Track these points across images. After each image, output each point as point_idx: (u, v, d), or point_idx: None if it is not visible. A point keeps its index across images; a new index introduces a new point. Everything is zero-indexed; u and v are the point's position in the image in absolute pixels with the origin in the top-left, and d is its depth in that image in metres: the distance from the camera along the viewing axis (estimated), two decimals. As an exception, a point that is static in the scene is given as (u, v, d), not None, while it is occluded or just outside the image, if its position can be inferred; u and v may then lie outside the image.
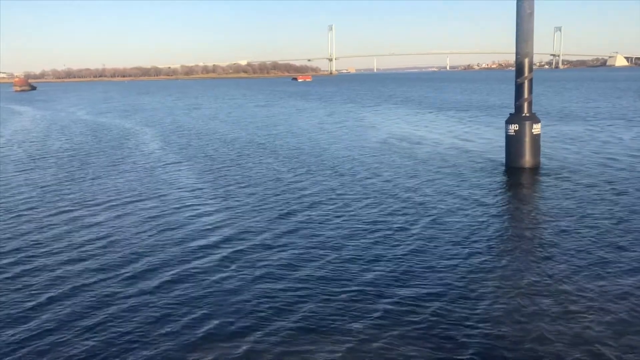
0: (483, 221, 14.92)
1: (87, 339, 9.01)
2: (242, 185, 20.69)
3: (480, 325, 9.03)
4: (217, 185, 20.83)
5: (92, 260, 12.79)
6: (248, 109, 68.07)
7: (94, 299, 10.66)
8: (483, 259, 12.07)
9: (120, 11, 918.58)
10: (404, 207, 16.60)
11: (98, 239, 14.50)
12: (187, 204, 18.03)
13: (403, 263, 11.97)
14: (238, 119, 52.17)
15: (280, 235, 14.29)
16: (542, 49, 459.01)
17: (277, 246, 13.42)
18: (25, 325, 9.59)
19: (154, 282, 11.33)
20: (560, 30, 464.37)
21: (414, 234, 13.97)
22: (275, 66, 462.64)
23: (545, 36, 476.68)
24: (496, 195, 17.95)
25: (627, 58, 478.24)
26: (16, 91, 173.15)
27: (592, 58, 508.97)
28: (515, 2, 22.08)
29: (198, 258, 12.78)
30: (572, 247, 12.66)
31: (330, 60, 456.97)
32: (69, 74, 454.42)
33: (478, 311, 9.52)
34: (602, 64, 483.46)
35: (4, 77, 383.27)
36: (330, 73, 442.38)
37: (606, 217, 14.94)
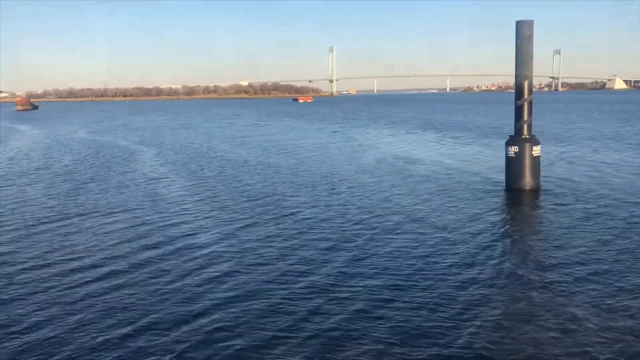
0: (484, 242, 14.81)
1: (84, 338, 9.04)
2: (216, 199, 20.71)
3: (472, 342, 8.90)
4: (195, 197, 20.84)
5: (79, 267, 12.81)
6: (237, 128, 69.63)
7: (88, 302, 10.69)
8: (482, 279, 11.92)
9: (122, 32, 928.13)
10: (405, 226, 16.50)
11: (81, 249, 14.55)
12: (166, 214, 18.14)
13: (400, 280, 11.84)
14: (223, 138, 53.30)
15: (276, 247, 14.27)
16: (542, 72, 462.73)
17: (272, 258, 13.38)
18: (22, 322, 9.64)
19: (149, 288, 11.32)
20: (559, 53, 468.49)
21: (413, 254, 13.85)
22: (277, 87, 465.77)
23: (545, 59, 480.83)
24: (497, 217, 17.86)
25: (625, 81, 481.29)
26: (18, 110, 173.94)
27: (591, 81, 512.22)
28: (514, 25, 22.24)
29: (182, 259, 12.92)
30: (571, 268, 12.52)
31: (331, 81, 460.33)
32: (70, 94, 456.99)
33: (472, 329, 9.40)
34: (601, 86, 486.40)
35: (6, 97, 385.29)
36: (331, 94, 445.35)
37: (606, 239, 14.83)
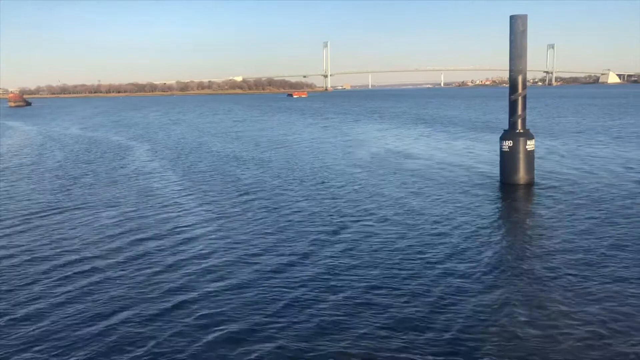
0: (478, 236, 14.79)
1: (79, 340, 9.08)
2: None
3: (466, 336, 8.88)
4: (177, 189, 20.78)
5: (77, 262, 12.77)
6: (228, 123, 69.70)
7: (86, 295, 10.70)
8: (475, 272, 11.89)
9: (116, 27, 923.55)
10: (396, 219, 16.44)
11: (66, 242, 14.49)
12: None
13: (393, 277, 11.79)
14: (214, 133, 53.22)
15: (266, 238, 14.27)
16: (536, 66, 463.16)
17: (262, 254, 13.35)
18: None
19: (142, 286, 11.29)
20: (553, 48, 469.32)
21: (405, 245, 13.84)
22: (271, 82, 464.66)
23: (539, 53, 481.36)
24: (492, 211, 17.85)
25: (619, 75, 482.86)
26: (11, 107, 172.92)
27: (584, 75, 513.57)
28: (508, 19, 22.18)
29: (172, 252, 12.91)
30: (564, 262, 12.52)
31: (326, 76, 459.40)
32: (64, 90, 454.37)
33: (466, 325, 9.37)
34: (594, 81, 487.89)
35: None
36: (326, 89, 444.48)
37: (600, 232, 14.85)
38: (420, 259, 13.17)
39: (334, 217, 17.48)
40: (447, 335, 9.23)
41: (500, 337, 9.16)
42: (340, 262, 13.02)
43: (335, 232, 15.69)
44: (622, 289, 11.04)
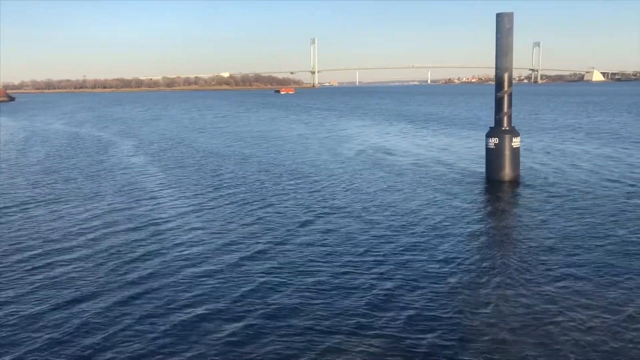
0: (463, 232, 14.83)
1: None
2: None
3: (453, 334, 8.89)
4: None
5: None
6: (210, 120, 69.85)
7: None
8: (462, 271, 11.93)
9: (102, 22, 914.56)
10: (381, 215, 16.45)
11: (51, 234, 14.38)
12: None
13: (379, 275, 11.77)
14: (195, 129, 53.44)
15: (243, 231, 14.25)
16: (522, 64, 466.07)
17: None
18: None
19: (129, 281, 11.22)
20: (539, 46, 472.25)
21: (390, 241, 13.88)
22: (258, 78, 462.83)
23: (525, 51, 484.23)
24: (478, 208, 17.93)
25: (603, 73, 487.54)
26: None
27: (569, 73, 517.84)
28: (495, 17, 22.24)
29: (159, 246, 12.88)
30: (550, 258, 12.59)
31: (313, 73, 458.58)
32: (48, 85, 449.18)
33: (452, 324, 9.38)
34: (579, 79, 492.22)
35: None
36: (313, 86, 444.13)
37: (584, 228, 14.98)
38: (405, 253, 13.19)
39: (315, 212, 17.55)
40: (424, 332, 9.24)
41: (483, 332, 9.19)
42: (316, 255, 13.15)
43: (314, 227, 15.72)
44: (603, 282, 11.14)
